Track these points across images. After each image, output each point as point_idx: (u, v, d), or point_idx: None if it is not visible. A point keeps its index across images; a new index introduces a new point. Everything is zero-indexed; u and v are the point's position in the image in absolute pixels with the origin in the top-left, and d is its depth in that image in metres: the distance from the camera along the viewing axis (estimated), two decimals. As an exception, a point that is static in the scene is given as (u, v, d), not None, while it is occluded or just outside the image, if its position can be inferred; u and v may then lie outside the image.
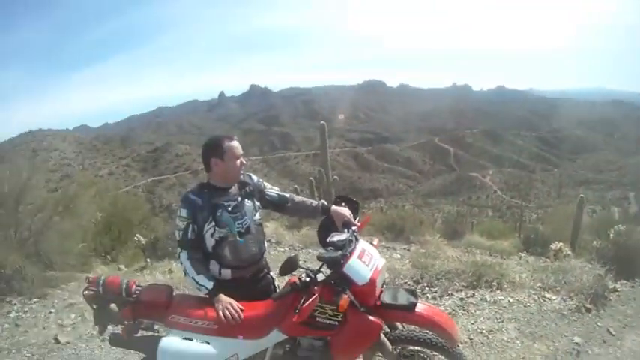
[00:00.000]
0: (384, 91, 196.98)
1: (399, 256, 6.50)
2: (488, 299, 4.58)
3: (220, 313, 2.12)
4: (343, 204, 2.52)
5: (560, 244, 7.24)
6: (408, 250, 6.97)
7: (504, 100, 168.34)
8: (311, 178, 9.00)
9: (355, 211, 2.50)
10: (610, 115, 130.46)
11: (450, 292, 4.74)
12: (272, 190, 2.59)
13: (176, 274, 5.37)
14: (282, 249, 6.68)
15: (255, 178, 2.55)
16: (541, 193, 67.40)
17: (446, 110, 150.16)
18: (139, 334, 2.38)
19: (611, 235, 6.81)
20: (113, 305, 2.32)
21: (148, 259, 6.27)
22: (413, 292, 2.36)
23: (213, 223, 2.26)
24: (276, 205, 2.58)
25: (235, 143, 2.30)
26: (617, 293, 5.23)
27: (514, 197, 60.78)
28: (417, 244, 7.39)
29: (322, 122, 9.34)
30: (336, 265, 2.10)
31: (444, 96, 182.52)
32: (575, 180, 74.36)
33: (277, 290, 2.51)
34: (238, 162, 2.31)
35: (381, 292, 2.32)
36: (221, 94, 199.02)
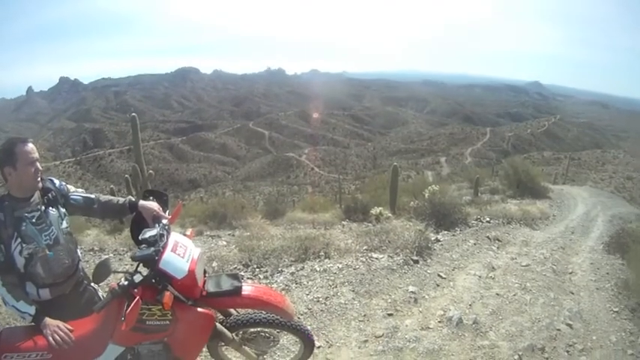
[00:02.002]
0: (198, 78, 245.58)
1: (224, 243, 8.00)
2: (318, 269, 6.18)
3: (50, 339, 2.56)
4: (151, 198, 3.15)
5: (380, 208, 9.81)
6: (233, 235, 8.65)
7: (318, 83, 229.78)
8: (127, 176, 10.59)
9: (165, 204, 3.16)
10: (421, 94, 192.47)
11: (280, 269, 6.24)
12: (76, 193, 3.09)
13: (4, 308, 5.24)
14: (106, 256, 7.27)
15: (57, 182, 3.01)
16: (357, 166, 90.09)
17: (259, 94, 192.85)
18: None
19: (427, 194, 9.78)
20: None
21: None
22: (235, 276, 3.10)
23: (19, 240, 2.68)
24: (82, 209, 3.10)
25: (29, 147, 2.69)
26: (440, 243, 7.71)
27: (331, 172, 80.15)
28: (241, 229, 9.19)
29: (133, 114, 10.74)
30: (151, 262, 2.64)
31: (258, 80, 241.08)
32: (389, 151, 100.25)
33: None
34: (33, 168, 2.72)
35: (205, 282, 3.00)
36: (29, 89, 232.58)
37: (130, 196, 3.32)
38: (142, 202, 3.08)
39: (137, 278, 2.60)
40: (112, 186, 12.59)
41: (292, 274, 6.11)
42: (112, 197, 3.22)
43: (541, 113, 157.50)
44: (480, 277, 6.53)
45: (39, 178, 2.80)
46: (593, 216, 13.13)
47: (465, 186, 19.90)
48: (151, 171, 10.75)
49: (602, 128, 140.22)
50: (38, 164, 2.75)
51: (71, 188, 3.09)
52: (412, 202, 10.44)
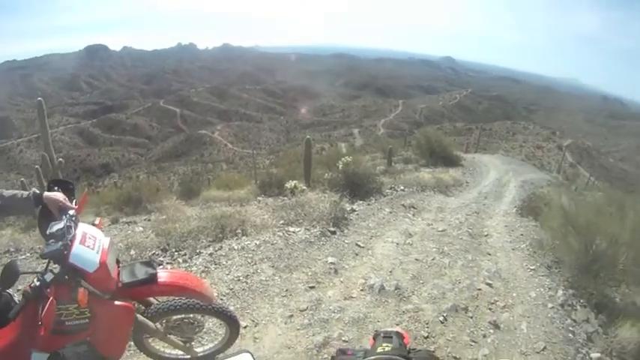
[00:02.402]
0: (106, 56, 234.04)
1: (141, 228, 7.70)
2: (236, 247, 6.09)
3: None
4: (56, 188, 2.98)
5: (295, 182, 9.82)
6: (149, 220, 8.37)
7: (229, 57, 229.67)
8: (37, 167, 10.29)
9: (71, 193, 3.00)
10: (333, 67, 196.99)
11: (198, 250, 6.11)
12: None
13: None
14: (23, 257, 7.03)
15: None
16: (271, 140, 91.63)
17: (170, 71, 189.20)
18: None
19: (340, 166, 9.94)
20: None
21: None
22: (149, 264, 3.06)
23: None
24: None
25: None
26: (356, 213, 7.86)
27: (245, 147, 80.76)
28: (157, 212, 9.02)
29: (39, 99, 10.27)
30: (61, 258, 2.50)
31: (169, 56, 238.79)
32: (302, 124, 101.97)
33: None
34: None
35: (119, 272, 2.93)
36: None
37: (34, 189, 3.11)
38: (46, 194, 2.88)
39: (48, 277, 2.46)
40: (22, 179, 12.02)
41: (211, 254, 6.02)
42: (16, 192, 2.99)
43: (453, 87, 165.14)
44: (397, 244, 6.74)
45: None
46: (505, 182, 13.91)
47: (378, 156, 20.41)
48: (61, 159, 10.50)
49: (513, 101, 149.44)
50: None
51: None
52: (326, 174, 10.57)
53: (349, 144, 57.31)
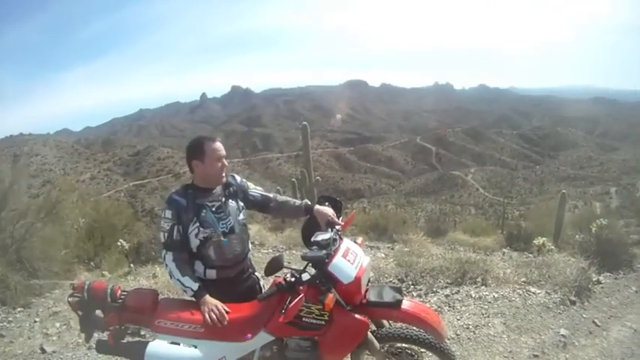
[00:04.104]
0: (366, 91, 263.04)
1: (383, 255, 8.24)
2: (474, 295, 6.07)
3: (206, 316, 2.87)
4: (326, 203, 3.36)
5: (543, 239, 9.27)
6: (392, 249, 8.87)
7: (486, 99, 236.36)
8: (293, 179, 11.58)
9: (338, 211, 3.34)
10: (591, 113, 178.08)
11: (434, 289, 6.23)
12: (255, 190, 3.45)
13: (160, 279, 6.94)
14: (265, 251, 8.28)
15: (238, 178, 3.40)
16: (523, 190, 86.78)
17: (428, 109, 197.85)
18: (125, 340, 3.22)
19: (594, 229, 8.92)
20: (98, 312, 3.17)
21: (132, 265, 8.36)
22: (398, 290, 3.16)
23: (197, 224, 3.06)
24: (259, 206, 3.45)
25: (217, 145, 3.11)
26: (601, 286, 7.15)
27: (496, 194, 78.66)
28: (401, 243, 9.35)
29: (304, 123, 11.76)
30: (321, 264, 2.83)
31: (426, 95, 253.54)
32: (557, 176, 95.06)
33: (262, 291, 3.41)
34: (220, 164, 3.11)
35: (367, 290, 3.11)
36: (203, 95, 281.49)
37: (306, 200, 3.66)
38: (317, 207, 3.34)
39: (305, 277, 2.87)
40: (278, 187, 13.75)
41: (447, 296, 6.08)
42: (289, 199, 3.61)
43: None
44: (635, 330, 5.95)
45: (224, 174, 3.20)
46: None
47: (633, 222, 17.90)
48: (318, 177, 11.35)
49: None
50: (225, 161, 3.17)
51: (251, 185, 3.48)
52: (577, 236, 9.82)
53: (604, 204, 50.76)
